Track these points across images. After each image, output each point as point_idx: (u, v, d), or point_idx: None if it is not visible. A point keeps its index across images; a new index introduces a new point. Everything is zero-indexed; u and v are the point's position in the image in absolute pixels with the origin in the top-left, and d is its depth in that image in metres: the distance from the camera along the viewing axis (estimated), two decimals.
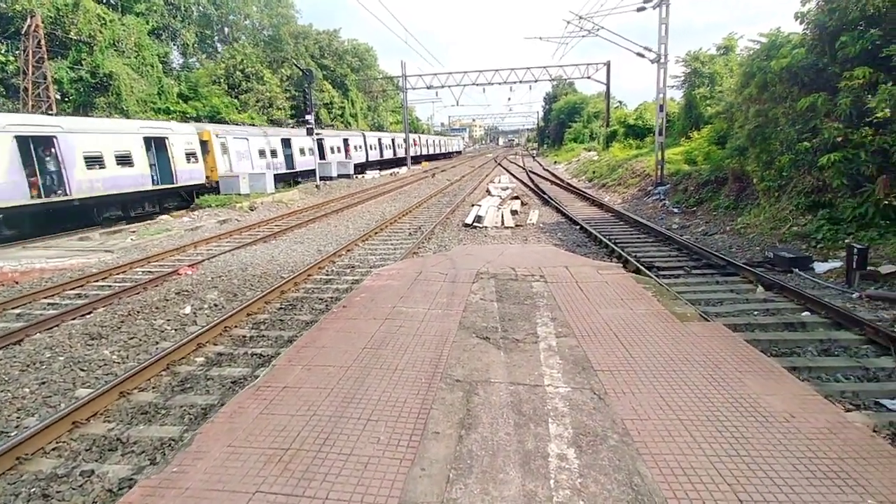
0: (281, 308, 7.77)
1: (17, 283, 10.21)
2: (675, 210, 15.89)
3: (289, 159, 29.06)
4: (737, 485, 2.75)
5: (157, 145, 19.82)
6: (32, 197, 15.22)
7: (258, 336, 6.62)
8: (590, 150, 40.91)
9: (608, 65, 40.38)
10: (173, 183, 20.37)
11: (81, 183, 16.56)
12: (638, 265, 8.74)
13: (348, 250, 11.70)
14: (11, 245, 14.11)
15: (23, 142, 14.92)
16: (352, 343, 4.95)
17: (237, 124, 28.91)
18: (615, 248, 10.30)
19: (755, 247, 10.55)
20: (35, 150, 15.65)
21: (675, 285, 7.77)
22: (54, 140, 15.90)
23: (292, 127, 34.30)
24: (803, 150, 10.60)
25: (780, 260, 8.72)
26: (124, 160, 18.06)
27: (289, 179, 28.50)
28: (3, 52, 27.50)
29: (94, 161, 16.99)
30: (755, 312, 6.69)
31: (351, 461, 3.06)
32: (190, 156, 21.36)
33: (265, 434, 3.38)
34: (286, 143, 29.01)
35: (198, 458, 3.13)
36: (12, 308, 8.32)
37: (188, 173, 21.18)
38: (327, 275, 9.67)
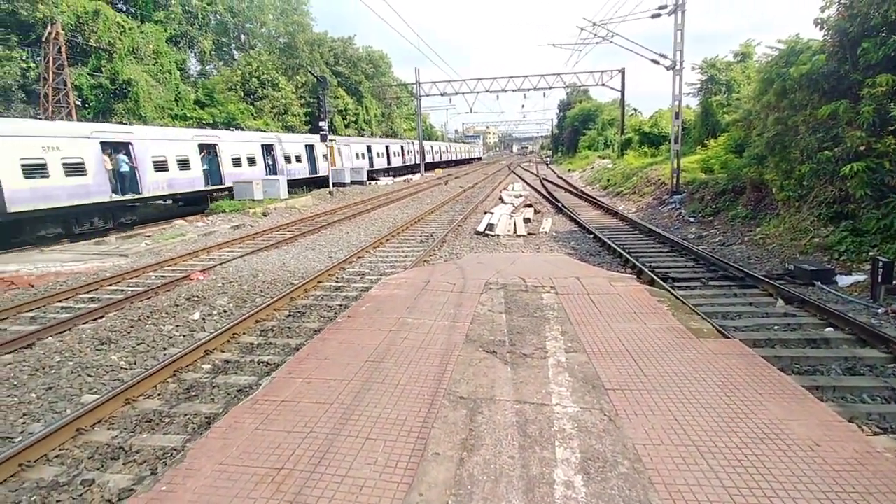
0: (290, 315, 7.70)
1: (32, 286, 10.31)
2: (692, 219, 15.56)
3: (370, 160, 40.17)
4: None
5: (308, 150, 31.21)
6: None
7: (266, 343, 6.54)
8: (604, 158, 40.58)
9: (623, 72, 40.10)
10: (316, 174, 31.27)
11: (289, 171, 28.48)
12: (652, 276, 8.51)
13: (359, 257, 11.63)
14: (28, 249, 14.34)
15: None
16: (354, 355, 4.83)
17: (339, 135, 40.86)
18: (629, 257, 10.08)
19: (775, 258, 10.23)
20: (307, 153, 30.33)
21: (690, 297, 7.53)
22: (274, 146, 27.87)
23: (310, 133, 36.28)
24: (825, 158, 10.29)
25: (802, 272, 8.42)
26: (298, 159, 30.09)
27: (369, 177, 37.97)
28: (24, 58, 28.15)
29: (292, 158, 29.40)
30: (775, 327, 6.44)
31: (346, 484, 2.93)
32: (324, 156, 31.52)
33: (259, 452, 3.26)
34: (369, 148, 40.44)
35: (188, 475, 3.02)
36: (26, 311, 8.38)
37: (324, 168, 31.43)
38: (337, 282, 9.60)
